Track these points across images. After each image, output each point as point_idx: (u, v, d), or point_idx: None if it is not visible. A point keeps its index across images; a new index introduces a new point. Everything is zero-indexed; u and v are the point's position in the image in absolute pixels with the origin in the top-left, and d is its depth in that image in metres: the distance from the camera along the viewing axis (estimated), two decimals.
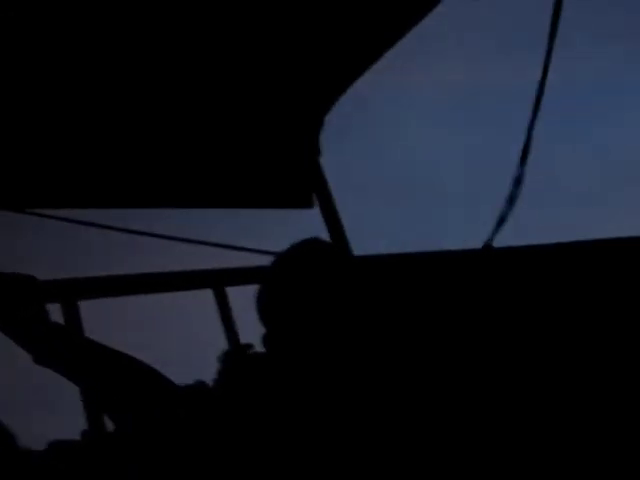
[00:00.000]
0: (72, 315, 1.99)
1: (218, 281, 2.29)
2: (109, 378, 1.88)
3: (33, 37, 2.08)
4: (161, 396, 1.86)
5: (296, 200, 2.90)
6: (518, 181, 2.37)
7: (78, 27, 2.10)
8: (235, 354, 2.06)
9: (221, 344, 2.27)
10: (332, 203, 2.90)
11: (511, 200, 2.36)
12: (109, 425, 1.97)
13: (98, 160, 2.48)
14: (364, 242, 2.68)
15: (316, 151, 2.91)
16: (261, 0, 2.43)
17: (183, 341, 2.44)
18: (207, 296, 2.30)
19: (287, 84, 2.77)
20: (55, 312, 1.94)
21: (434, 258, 1.95)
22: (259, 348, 1.97)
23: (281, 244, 1.88)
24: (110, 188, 2.44)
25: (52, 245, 2.43)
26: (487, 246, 2.28)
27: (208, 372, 1.91)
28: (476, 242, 2.26)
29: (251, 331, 2.18)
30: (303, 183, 2.90)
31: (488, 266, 1.98)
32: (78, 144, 2.41)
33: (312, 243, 1.89)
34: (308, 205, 2.92)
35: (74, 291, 2.02)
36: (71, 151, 2.40)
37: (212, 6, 2.36)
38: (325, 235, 2.87)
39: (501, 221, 2.35)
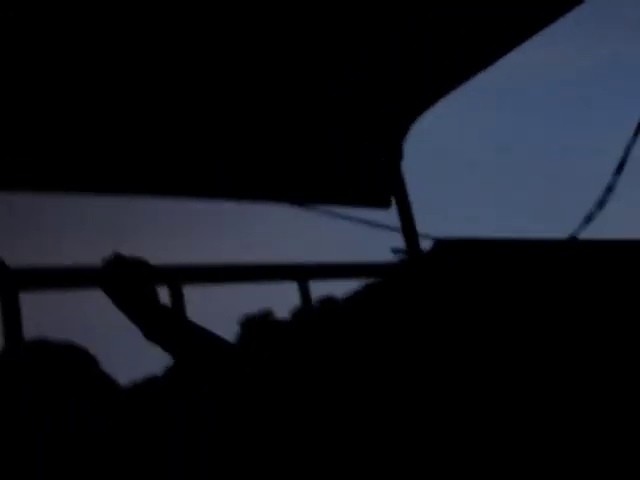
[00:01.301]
0: (177, 298, 2.17)
1: (304, 274, 2.45)
2: (204, 357, 2.08)
3: (29, 23, 2.14)
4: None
5: (375, 200, 3.05)
6: (610, 189, 2.54)
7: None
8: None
9: None
10: (409, 206, 3.05)
11: (600, 204, 2.52)
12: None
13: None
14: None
15: (399, 156, 3.06)
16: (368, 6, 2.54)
17: None
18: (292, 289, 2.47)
19: (383, 92, 2.91)
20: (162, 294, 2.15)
21: (519, 245, 1.94)
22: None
23: None
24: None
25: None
26: (573, 237, 2.43)
27: None
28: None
29: None
30: (384, 185, 3.05)
31: (573, 256, 1.96)
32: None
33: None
34: (386, 206, 3.07)
35: (180, 276, 2.20)
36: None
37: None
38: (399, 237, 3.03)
39: (588, 220, 2.50)
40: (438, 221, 3.01)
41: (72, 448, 1.81)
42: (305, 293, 2.49)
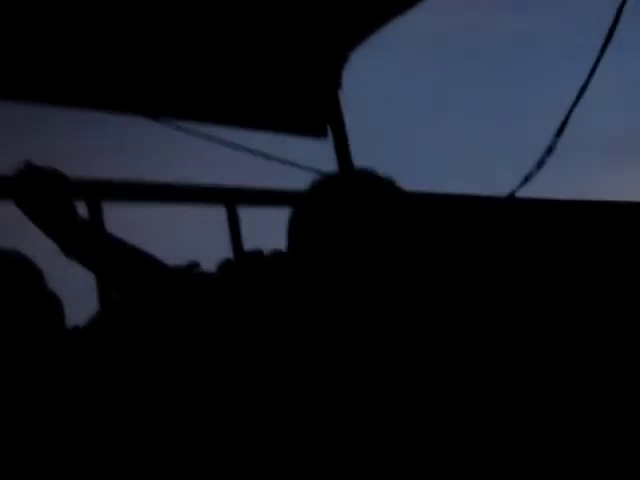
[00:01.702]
0: (95, 213, 2.07)
1: (233, 198, 2.37)
2: (129, 271, 2.00)
3: None
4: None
5: (311, 129, 2.97)
6: (550, 149, 2.56)
7: None
8: (234, 263, 2.15)
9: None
10: (345, 137, 2.98)
11: (539, 164, 2.54)
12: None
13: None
14: None
15: (337, 85, 2.98)
16: None
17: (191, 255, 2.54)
18: (219, 213, 2.38)
19: (319, 15, 2.82)
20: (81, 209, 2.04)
21: (454, 200, 1.96)
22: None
23: None
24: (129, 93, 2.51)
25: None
26: (511, 196, 2.44)
27: None
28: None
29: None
30: (320, 113, 2.97)
31: (511, 214, 2.01)
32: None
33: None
34: (322, 135, 3.00)
35: (99, 191, 2.10)
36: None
37: None
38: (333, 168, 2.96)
39: (526, 179, 2.53)
40: (374, 156, 2.94)
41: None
42: (233, 220, 2.41)
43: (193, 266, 2.07)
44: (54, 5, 2.33)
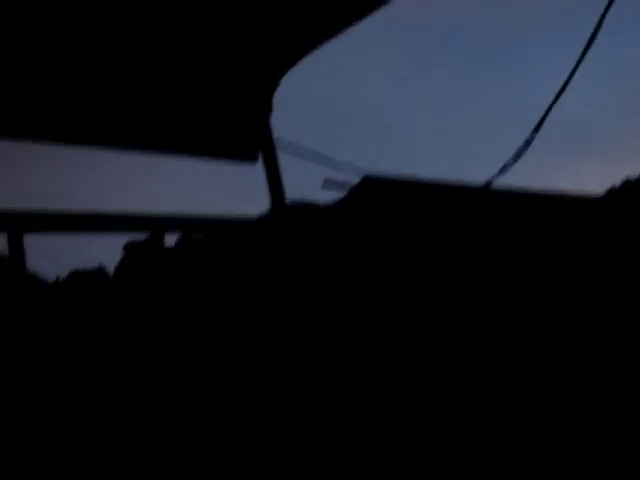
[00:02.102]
0: (16, 245, 2.06)
1: (162, 226, 2.37)
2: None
3: None
4: None
5: (242, 153, 2.99)
6: (528, 143, 2.65)
7: None
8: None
9: None
10: (276, 161, 3.00)
11: (516, 157, 2.64)
12: None
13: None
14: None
15: (268, 110, 3.00)
16: None
17: None
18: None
19: (250, 41, 2.84)
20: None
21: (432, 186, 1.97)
22: None
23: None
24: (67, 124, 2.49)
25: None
26: (487, 185, 2.50)
27: None
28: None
29: None
30: (251, 138, 2.99)
31: (487, 202, 2.04)
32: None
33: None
34: (252, 160, 3.01)
35: (20, 222, 2.09)
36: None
37: None
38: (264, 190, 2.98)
39: (502, 170, 2.62)
40: (307, 179, 2.97)
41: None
42: (159, 244, 2.41)
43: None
44: None
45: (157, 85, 2.74)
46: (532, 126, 2.73)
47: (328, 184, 2.74)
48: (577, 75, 2.65)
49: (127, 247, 2.13)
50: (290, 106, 3.01)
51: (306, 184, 2.79)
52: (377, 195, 1.82)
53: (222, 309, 1.89)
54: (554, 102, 2.65)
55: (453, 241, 1.95)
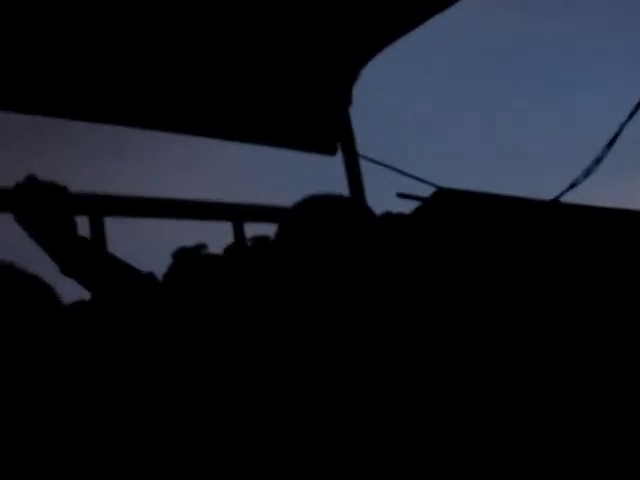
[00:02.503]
0: (98, 230, 2.05)
1: (239, 215, 2.34)
2: (127, 293, 1.95)
3: None
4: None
5: (321, 146, 2.94)
6: (599, 160, 2.58)
7: None
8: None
9: None
10: (355, 154, 2.95)
11: (587, 173, 2.56)
12: None
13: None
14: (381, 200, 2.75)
15: (347, 102, 2.95)
16: None
17: None
18: (225, 228, 2.36)
19: (330, 32, 2.79)
20: (83, 225, 2.01)
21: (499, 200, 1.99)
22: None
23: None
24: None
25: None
26: (556, 200, 2.44)
27: None
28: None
29: None
30: (330, 130, 2.94)
31: (554, 217, 2.02)
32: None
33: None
34: (331, 152, 2.96)
35: (102, 207, 2.08)
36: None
37: None
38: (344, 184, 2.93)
39: (572, 186, 2.54)
40: (385, 172, 2.90)
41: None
42: (239, 234, 2.38)
43: (200, 247, 2.03)
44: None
45: (238, 74, 2.71)
46: (602, 143, 2.64)
47: (401, 195, 2.71)
48: None
49: (175, 254, 2.08)
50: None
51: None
52: (451, 207, 1.84)
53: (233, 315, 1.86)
54: (629, 118, 2.57)
55: (522, 252, 1.93)
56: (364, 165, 2.92)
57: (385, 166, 2.85)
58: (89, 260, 1.93)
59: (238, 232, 2.35)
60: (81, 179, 1.99)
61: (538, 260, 1.94)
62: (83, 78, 2.27)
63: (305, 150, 2.89)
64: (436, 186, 1.89)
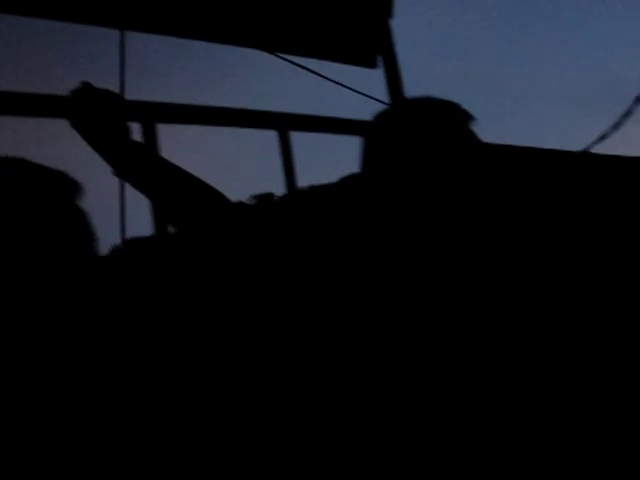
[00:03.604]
0: (150, 136, 2.09)
1: (285, 124, 2.37)
2: (179, 193, 1.99)
3: None
4: (222, 211, 1.96)
5: (361, 58, 2.94)
6: (628, 113, 2.63)
7: None
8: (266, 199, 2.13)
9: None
10: (397, 67, 2.93)
11: (616, 125, 2.60)
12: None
13: None
14: None
15: (388, 13, 2.93)
16: None
17: (242, 179, 2.55)
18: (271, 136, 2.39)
19: None
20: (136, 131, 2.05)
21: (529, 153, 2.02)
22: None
23: None
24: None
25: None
26: (585, 152, 2.45)
27: None
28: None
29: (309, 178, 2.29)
30: (371, 42, 2.93)
31: (585, 168, 2.05)
32: None
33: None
34: (372, 65, 2.96)
35: (154, 113, 2.11)
36: None
37: None
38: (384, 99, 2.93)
39: (602, 138, 2.56)
40: (427, 86, 2.90)
41: None
42: (285, 144, 2.41)
43: (267, 197, 2.05)
44: None
45: None
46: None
47: None
48: None
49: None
50: None
51: None
52: (486, 159, 1.82)
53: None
54: None
55: (553, 204, 1.94)
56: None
57: None
58: (143, 161, 1.97)
59: (284, 140, 2.38)
60: (130, 87, 2.02)
61: (567, 211, 1.95)
62: None
63: (345, 62, 2.89)
64: None
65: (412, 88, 2.92)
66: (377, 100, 2.73)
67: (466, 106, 1.80)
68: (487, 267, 1.79)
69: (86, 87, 1.96)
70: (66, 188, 1.86)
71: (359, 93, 2.75)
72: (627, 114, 2.68)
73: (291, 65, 2.70)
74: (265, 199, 2.03)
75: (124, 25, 2.16)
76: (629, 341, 1.90)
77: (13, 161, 1.81)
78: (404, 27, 3.01)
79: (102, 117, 1.95)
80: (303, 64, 2.66)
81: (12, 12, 2.14)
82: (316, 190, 1.97)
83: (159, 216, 2.05)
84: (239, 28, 2.57)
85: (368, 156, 1.82)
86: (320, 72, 2.69)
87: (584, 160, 2.25)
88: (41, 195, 1.80)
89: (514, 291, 1.81)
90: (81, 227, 1.88)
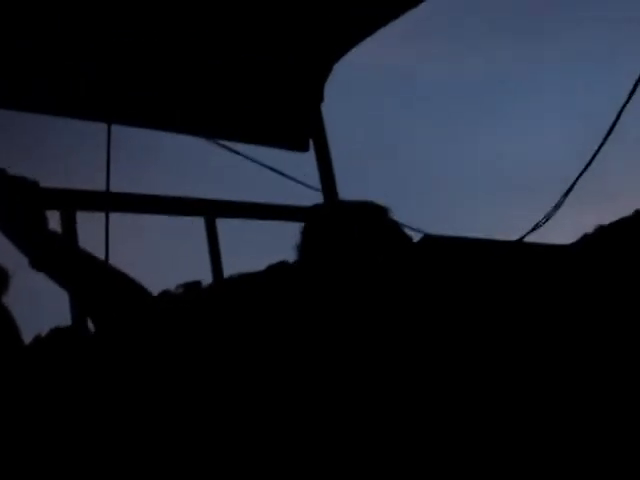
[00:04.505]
0: (69, 224, 2.03)
1: (211, 211, 2.34)
2: (97, 286, 1.94)
3: None
4: (139, 304, 1.91)
5: (293, 142, 2.94)
6: (557, 206, 2.68)
7: None
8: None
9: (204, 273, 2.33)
10: (327, 150, 2.94)
11: (547, 217, 2.63)
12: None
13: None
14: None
15: (319, 98, 2.95)
16: None
17: (168, 263, 2.50)
18: (198, 224, 2.35)
19: (302, 26, 2.78)
20: (53, 219, 1.99)
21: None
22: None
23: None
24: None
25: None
26: (520, 241, 2.47)
27: None
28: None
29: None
30: (302, 127, 2.93)
31: (519, 258, 2.08)
32: None
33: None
34: (303, 149, 2.96)
35: (73, 201, 2.06)
36: None
37: None
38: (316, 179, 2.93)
39: (534, 228, 2.59)
40: (356, 169, 2.91)
41: None
42: (212, 230, 2.37)
43: (193, 285, 2.02)
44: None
45: (209, 70, 2.69)
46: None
47: None
48: None
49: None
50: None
51: None
52: (438, 253, 1.91)
53: None
54: (587, 166, 2.61)
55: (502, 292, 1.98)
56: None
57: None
58: (60, 252, 1.92)
59: (210, 227, 2.35)
60: (51, 174, 1.98)
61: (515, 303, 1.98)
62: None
63: (277, 146, 2.89)
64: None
65: (342, 170, 2.93)
66: (309, 187, 2.74)
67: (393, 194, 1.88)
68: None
69: (1, 174, 1.91)
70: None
71: (291, 179, 2.76)
72: (556, 207, 2.72)
73: (228, 152, 2.71)
74: (192, 288, 1.99)
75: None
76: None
77: None
78: (334, 112, 3.03)
79: (17, 206, 1.89)
80: (240, 151, 2.66)
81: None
82: (245, 278, 1.95)
83: (78, 308, 1.98)
84: (182, 116, 2.57)
85: (305, 248, 1.89)
86: (256, 158, 2.71)
87: (520, 249, 2.28)
88: None
89: None
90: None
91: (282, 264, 2.02)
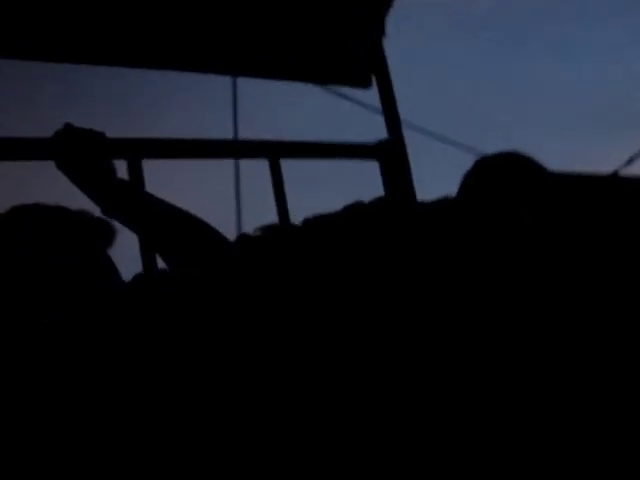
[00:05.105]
0: (136, 172, 2.08)
1: (275, 152, 2.35)
2: (168, 229, 1.99)
3: None
4: (213, 246, 1.96)
5: (354, 78, 2.91)
6: None
7: None
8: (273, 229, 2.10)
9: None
10: (390, 86, 2.91)
11: None
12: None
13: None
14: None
15: (381, 31, 2.90)
16: None
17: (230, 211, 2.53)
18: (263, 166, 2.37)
19: None
20: (121, 168, 2.05)
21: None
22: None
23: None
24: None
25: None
26: (614, 174, 2.42)
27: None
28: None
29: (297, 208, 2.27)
30: (363, 62, 2.90)
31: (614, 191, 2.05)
32: None
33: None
34: (365, 85, 2.93)
35: (139, 150, 2.10)
36: None
37: None
38: (379, 117, 2.91)
39: (630, 160, 2.52)
40: (422, 105, 2.88)
41: None
42: (276, 172, 2.39)
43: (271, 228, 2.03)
44: None
45: (264, 5, 2.66)
46: None
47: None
48: None
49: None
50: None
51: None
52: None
53: None
54: None
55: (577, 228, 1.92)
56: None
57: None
58: (130, 199, 1.99)
59: (275, 169, 2.36)
60: (115, 124, 2.02)
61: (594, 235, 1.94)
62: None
63: (338, 84, 2.87)
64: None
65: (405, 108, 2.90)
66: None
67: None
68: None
69: (69, 128, 1.97)
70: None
71: (357, 103, 2.73)
72: None
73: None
74: (273, 230, 2.02)
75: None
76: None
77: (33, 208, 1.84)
78: (396, 47, 2.99)
79: (86, 157, 1.96)
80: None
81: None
82: (325, 219, 1.97)
83: (148, 254, 2.03)
84: (219, 53, 2.56)
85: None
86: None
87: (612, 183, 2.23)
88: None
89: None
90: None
91: (358, 204, 2.02)
